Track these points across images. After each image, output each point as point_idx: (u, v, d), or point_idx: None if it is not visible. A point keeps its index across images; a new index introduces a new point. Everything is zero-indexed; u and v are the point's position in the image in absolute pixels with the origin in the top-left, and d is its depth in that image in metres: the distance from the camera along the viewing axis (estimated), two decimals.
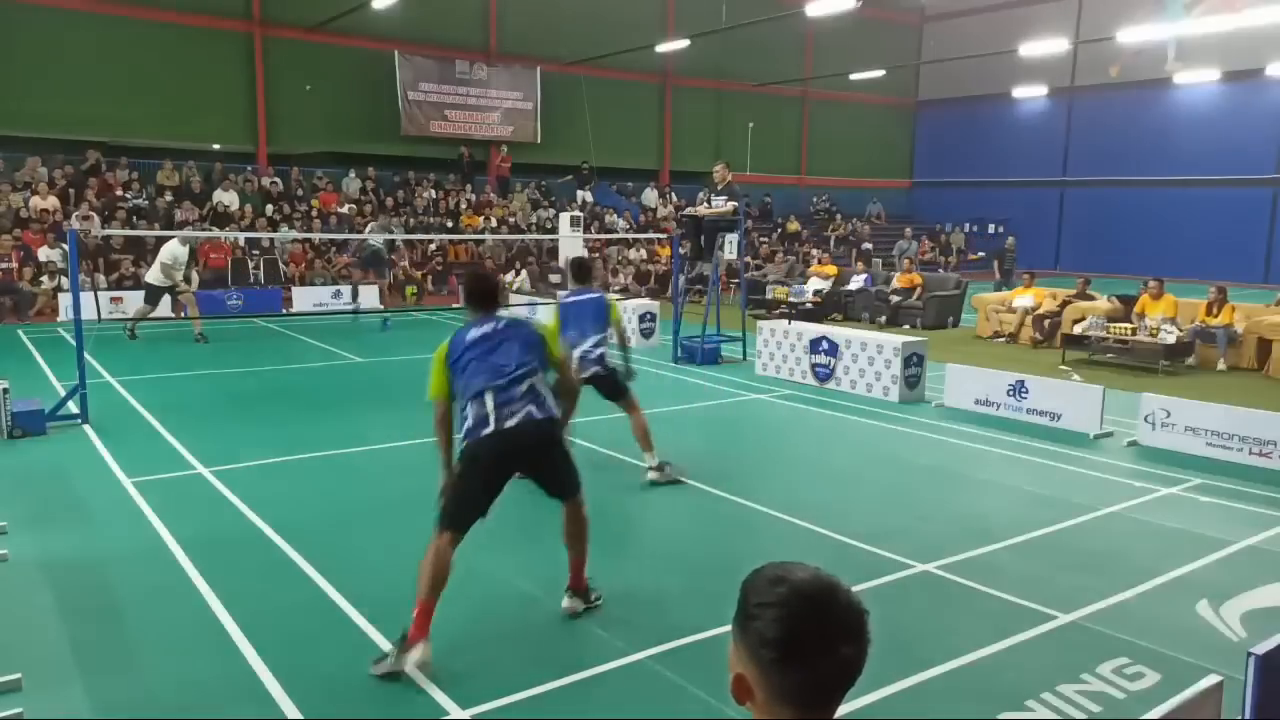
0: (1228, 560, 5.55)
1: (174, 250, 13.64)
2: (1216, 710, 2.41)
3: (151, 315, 14.41)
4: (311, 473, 7.14)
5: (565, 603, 4.71)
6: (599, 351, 7.17)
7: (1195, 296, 14.06)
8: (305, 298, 18.03)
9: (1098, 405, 8.69)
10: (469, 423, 4.39)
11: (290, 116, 23.23)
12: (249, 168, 22.30)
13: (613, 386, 7.27)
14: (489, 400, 4.35)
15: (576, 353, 6.98)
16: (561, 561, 4.71)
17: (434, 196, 23.63)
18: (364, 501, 6.49)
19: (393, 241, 16.78)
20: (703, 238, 13.03)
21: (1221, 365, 12.70)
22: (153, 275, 13.69)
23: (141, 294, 16.33)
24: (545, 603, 4.78)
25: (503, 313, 4.67)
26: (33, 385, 9.67)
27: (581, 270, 7.68)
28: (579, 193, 26.02)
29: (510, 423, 4.34)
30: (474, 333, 4.52)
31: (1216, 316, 13.04)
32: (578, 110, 25.41)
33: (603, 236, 23.46)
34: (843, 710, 1.31)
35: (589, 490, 5.64)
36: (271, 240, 19.19)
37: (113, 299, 15.70)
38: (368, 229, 16.49)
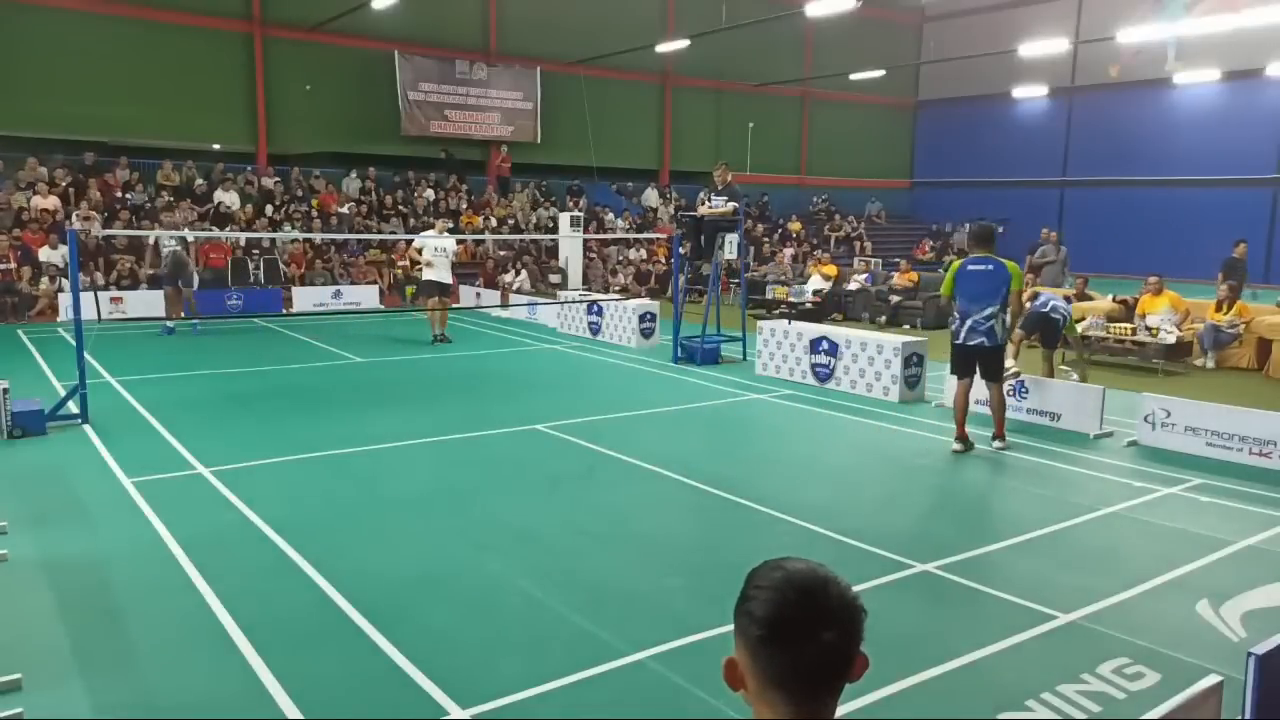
0: (1228, 560, 5.55)
1: (444, 244, 14.09)
2: (1216, 710, 2.41)
3: (150, 315, 14.37)
4: (311, 473, 7.13)
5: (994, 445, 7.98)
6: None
7: (1196, 296, 14.05)
8: (305, 298, 18.07)
9: (1098, 405, 8.70)
10: (954, 324, 7.79)
11: (290, 116, 23.22)
12: (249, 168, 22.29)
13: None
14: (960, 318, 7.70)
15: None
16: (559, 561, 5.07)
17: (434, 197, 23.61)
18: (364, 501, 6.48)
19: (185, 242, 15.32)
20: (703, 238, 13.05)
21: (1207, 363, 12.74)
22: (440, 274, 14.06)
23: (140, 294, 16.45)
24: (545, 603, 4.78)
25: (996, 257, 7.60)
26: (33, 385, 9.67)
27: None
28: (568, 199, 26.00)
29: (969, 341, 7.71)
30: (971, 267, 7.65)
31: (1226, 314, 13.08)
32: (578, 110, 25.41)
33: (602, 236, 23.45)
34: (843, 710, 1.32)
35: (581, 487, 6.82)
36: (272, 240, 19.19)
37: (113, 299, 15.69)
38: (153, 237, 15.23)
